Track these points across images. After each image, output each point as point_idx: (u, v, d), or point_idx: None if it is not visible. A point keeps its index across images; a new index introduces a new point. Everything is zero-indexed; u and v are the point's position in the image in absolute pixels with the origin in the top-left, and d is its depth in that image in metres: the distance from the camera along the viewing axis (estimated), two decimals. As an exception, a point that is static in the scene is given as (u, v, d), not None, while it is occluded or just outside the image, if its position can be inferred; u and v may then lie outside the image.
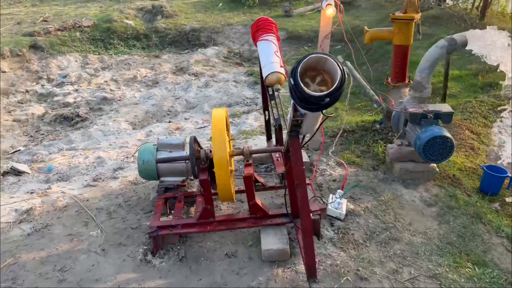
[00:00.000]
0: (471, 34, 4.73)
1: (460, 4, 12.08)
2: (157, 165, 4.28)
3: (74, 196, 4.69)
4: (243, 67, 10.71)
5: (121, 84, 9.50)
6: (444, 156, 4.50)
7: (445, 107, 4.73)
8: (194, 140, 3.93)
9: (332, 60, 2.50)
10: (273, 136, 5.02)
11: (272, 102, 4.24)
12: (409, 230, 4.17)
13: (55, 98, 8.67)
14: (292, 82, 2.49)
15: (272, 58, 4.02)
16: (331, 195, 4.42)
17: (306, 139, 3.43)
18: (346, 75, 2.47)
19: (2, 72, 9.28)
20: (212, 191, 3.85)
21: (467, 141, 5.89)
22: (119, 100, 8.59)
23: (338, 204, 4.22)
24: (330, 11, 4.61)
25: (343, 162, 5.13)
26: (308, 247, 3.27)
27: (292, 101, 2.75)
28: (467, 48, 4.78)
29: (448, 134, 4.43)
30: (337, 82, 2.44)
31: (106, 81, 9.62)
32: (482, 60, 5.23)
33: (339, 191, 4.34)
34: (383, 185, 4.82)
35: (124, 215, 4.37)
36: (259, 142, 5.69)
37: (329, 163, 5.22)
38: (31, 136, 7.30)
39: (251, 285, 3.46)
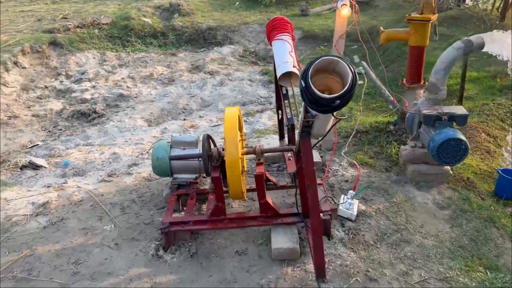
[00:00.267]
0: (488, 36, 4.66)
1: (480, 5, 11.88)
2: (171, 162, 4.35)
3: (89, 191, 4.79)
4: (258, 66, 10.73)
5: (137, 81, 9.62)
6: (458, 158, 4.45)
7: (460, 109, 4.68)
8: (207, 138, 3.97)
9: (343, 62, 2.51)
10: (286, 135, 5.04)
11: (285, 101, 4.26)
12: (421, 232, 4.14)
13: (73, 94, 8.83)
14: (303, 84, 2.51)
15: (286, 57, 4.03)
16: (342, 195, 4.43)
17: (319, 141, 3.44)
18: (358, 77, 2.47)
19: (22, 68, 9.48)
20: (224, 188, 3.89)
21: (483, 144, 5.81)
22: (136, 97, 8.71)
23: (349, 205, 4.22)
24: (345, 11, 4.61)
25: (356, 162, 5.12)
26: (317, 246, 3.28)
27: (303, 102, 2.77)
28: (484, 49, 4.72)
29: (462, 137, 4.39)
30: (348, 85, 2.45)
31: (123, 78, 9.76)
32: (501, 62, 5.15)
33: (350, 191, 4.34)
34: (395, 187, 4.80)
35: (137, 211, 4.45)
36: (272, 141, 5.71)
37: (342, 163, 5.21)
38: (49, 131, 7.45)
39: (260, 283, 3.50)
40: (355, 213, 4.19)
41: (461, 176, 5.00)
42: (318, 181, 4.26)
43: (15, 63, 9.39)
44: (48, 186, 5.01)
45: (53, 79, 9.73)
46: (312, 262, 3.57)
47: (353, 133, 5.71)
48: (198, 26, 12.63)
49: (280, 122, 5.13)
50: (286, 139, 5.13)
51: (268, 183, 4.39)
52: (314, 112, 2.77)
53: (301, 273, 3.59)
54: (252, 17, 13.35)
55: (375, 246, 3.92)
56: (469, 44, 4.60)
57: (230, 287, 3.48)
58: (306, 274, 3.57)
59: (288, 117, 4.17)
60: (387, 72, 8.76)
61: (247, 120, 7.31)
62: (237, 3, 15.06)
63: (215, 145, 4.09)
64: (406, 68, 5.90)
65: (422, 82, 5.62)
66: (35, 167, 5.71)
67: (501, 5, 10.62)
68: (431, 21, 5.29)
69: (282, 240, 3.78)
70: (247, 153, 4.03)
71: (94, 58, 10.91)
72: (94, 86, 9.22)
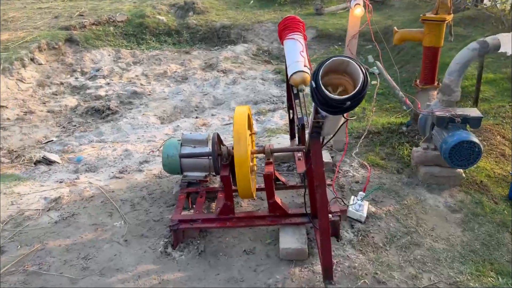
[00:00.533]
0: (505, 37, 4.57)
1: (498, 5, 11.66)
2: (181, 160, 4.37)
3: (101, 187, 4.84)
4: (271, 65, 10.71)
5: (151, 79, 9.69)
6: (471, 161, 4.38)
7: (474, 111, 4.61)
8: (217, 137, 3.98)
9: (354, 63, 2.48)
10: (297, 135, 5.02)
11: (296, 101, 4.24)
12: (431, 235, 4.09)
13: (88, 91, 8.94)
14: (314, 85, 2.49)
15: (297, 57, 4.02)
16: (352, 196, 4.39)
17: (328, 140, 3.42)
18: (370, 78, 2.44)
19: (39, 64, 9.62)
20: (233, 187, 3.89)
21: (498, 147, 5.71)
22: (149, 94, 8.77)
23: (359, 206, 4.19)
24: (358, 11, 4.57)
25: (366, 164, 5.08)
26: (325, 248, 3.27)
27: (313, 103, 2.75)
28: (501, 51, 4.63)
29: (475, 139, 4.31)
30: (359, 86, 2.42)
31: (137, 76, 9.83)
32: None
33: (360, 193, 4.30)
34: (406, 189, 4.75)
35: (147, 208, 4.48)
36: (283, 140, 5.70)
37: (353, 164, 5.18)
38: (64, 127, 7.55)
39: (267, 282, 3.49)
40: (364, 214, 4.16)
41: (474, 179, 4.92)
42: (328, 181, 4.24)
43: (32, 59, 9.55)
44: (61, 182, 5.09)
45: (69, 76, 9.86)
46: (320, 263, 3.56)
47: (365, 134, 5.66)
48: (212, 24, 12.65)
49: (291, 121, 5.12)
50: (296, 138, 5.12)
51: (277, 182, 4.39)
52: (324, 113, 2.75)
53: (308, 274, 3.57)
54: (266, 16, 13.33)
55: (384, 249, 3.88)
56: (484, 45, 4.52)
57: (237, 286, 3.48)
58: (313, 275, 3.56)
59: (299, 116, 4.16)
60: (402, 73, 8.67)
61: (259, 119, 7.31)
62: (252, 1, 15.04)
63: (223, 144, 4.10)
64: (420, 69, 5.83)
65: (436, 83, 5.55)
66: (49, 162, 5.80)
67: (520, 6, 10.41)
68: (446, 22, 5.22)
69: (290, 240, 3.77)
70: (256, 152, 4.03)
71: (109, 55, 11.02)
72: (108, 83, 9.32)
